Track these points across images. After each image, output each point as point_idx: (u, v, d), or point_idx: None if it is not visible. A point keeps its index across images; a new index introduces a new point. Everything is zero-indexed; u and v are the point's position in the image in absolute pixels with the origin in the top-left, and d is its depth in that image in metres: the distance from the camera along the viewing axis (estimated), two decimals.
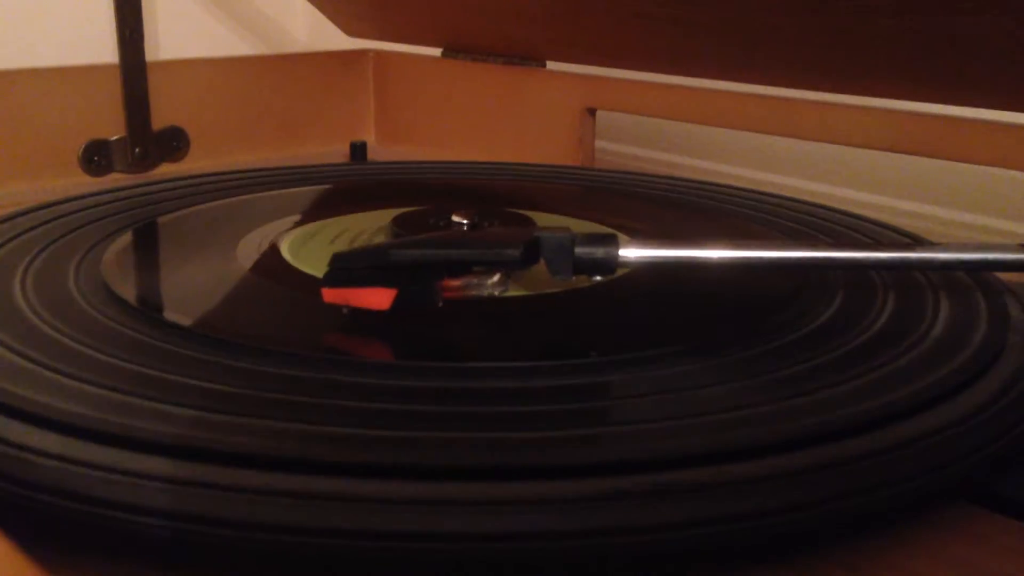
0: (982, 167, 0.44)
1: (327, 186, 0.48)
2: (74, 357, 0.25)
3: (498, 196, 0.46)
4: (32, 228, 0.37)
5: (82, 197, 0.42)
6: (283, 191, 0.45)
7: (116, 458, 0.20)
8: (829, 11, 0.41)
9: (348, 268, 0.28)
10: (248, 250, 0.35)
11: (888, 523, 0.22)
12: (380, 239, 0.37)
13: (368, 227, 0.38)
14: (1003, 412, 0.24)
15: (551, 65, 0.61)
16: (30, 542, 0.20)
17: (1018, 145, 0.41)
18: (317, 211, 0.41)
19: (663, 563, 0.20)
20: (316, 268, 0.32)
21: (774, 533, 0.20)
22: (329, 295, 0.28)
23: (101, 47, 0.59)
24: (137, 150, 0.58)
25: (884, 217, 0.41)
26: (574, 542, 0.19)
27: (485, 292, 0.29)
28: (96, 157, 0.56)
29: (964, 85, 0.42)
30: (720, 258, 0.29)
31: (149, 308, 0.29)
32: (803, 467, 0.21)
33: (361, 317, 0.28)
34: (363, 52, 0.70)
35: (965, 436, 0.23)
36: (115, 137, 0.57)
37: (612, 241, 0.29)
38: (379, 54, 0.70)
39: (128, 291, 0.30)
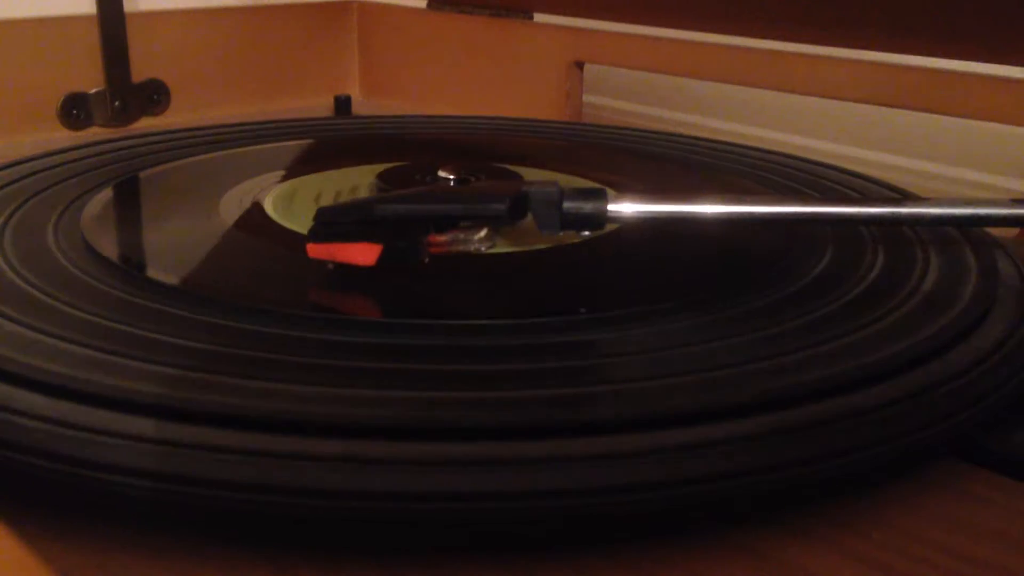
0: (973, 121, 0.43)
1: (312, 141, 0.47)
2: (54, 315, 0.24)
3: (485, 151, 0.45)
4: (9, 183, 0.36)
5: (61, 152, 0.41)
6: (267, 146, 0.44)
7: (98, 418, 0.20)
8: None
9: (333, 223, 0.28)
10: (231, 206, 0.34)
11: (878, 480, 0.22)
12: (365, 194, 0.36)
13: (353, 182, 0.38)
14: (993, 368, 0.24)
15: (538, 17, 0.60)
16: (11, 502, 0.20)
17: (1010, 99, 0.41)
18: (302, 166, 0.41)
19: (662, 520, 0.20)
20: (301, 224, 0.32)
21: (763, 491, 0.20)
22: (314, 250, 0.28)
23: None
24: (117, 103, 0.57)
25: (874, 172, 0.41)
26: (569, 501, 0.19)
27: (472, 247, 0.29)
28: (75, 110, 0.55)
29: (956, 38, 0.41)
30: (709, 213, 0.28)
31: (130, 265, 0.29)
32: (793, 424, 0.21)
33: (346, 273, 0.27)
34: (347, 3, 0.69)
35: (955, 392, 0.22)
36: (94, 90, 0.56)
37: (600, 196, 0.28)
38: (363, 5, 0.69)
39: (109, 248, 0.30)
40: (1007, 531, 0.20)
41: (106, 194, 0.35)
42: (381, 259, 0.27)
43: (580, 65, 0.57)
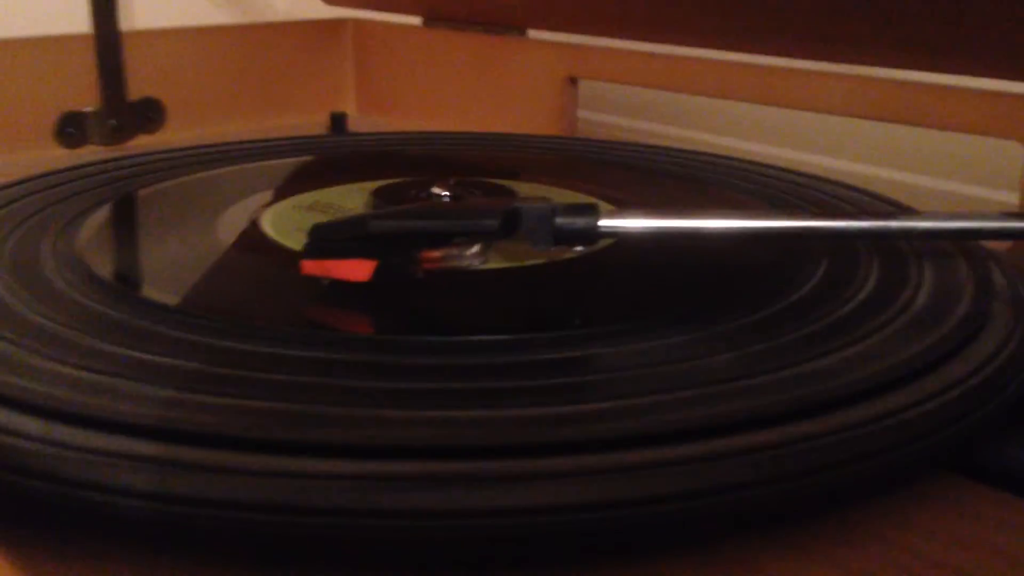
0: (965, 135, 0.44)
1: (308, 158, 0.47)
2: (50, 336, 0.24)
3: (479, 167, 0.45)
4: (5, 204, 0.36)
5: (56, 172, 0.41)
6: (263, 163, 0.45)
7: (96, 440, 0.20)
8: None
9: (328, 239, 0.28)
10: (228, 224, 0.34)
11: (871, 494, 0.22)
12: (360, 211, 0.36)
13: (349, 199, 0.38)
14: (987, 381, 0.24)
15: (532, 34, 0.60)
16: (6, 525, 0.20)
17: (1001, 113, 0.41)
18: (298, 183, 0.41)
19: (654, 535, 0.20)
20: (297, 242, 0.32)
21: (758, 506, 0.20)
22: (309, 267, 0.28)
23: (74, 16, 0.58)
24: (112, 122, 0.57)
25: (867, 187, 0.41)
26: (566, 517, 0.19)
27: (465, 263, 0.29)
28: (70, 129, 0.56)
29: (947, 52, 0.41)
30: (703, 228, 0.29)
31: (127, 285, 0.29)
32: (787, 440, 0.21)
33: (341, 289, 0.27)
34: (342, 21, 0.69)
35: (949, 406, 0.22)
36: (90, 109, 0.56)
37: (593, 211, 0.28)
38: (358, 23, 0.69)
39: (105, 268, 0.30)
40: (1003, 545, 0.20)
41: (102, 213, 0.36)
42: (375, 275, 0.27)
43: (574, 81, 0.58)
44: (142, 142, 0.58)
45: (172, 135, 0.59)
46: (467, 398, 0.22)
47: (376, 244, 0.27)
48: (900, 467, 0.22)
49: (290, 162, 0.46)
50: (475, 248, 0.29)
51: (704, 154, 0.47)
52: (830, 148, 0.56)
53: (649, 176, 0.43)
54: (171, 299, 0.28)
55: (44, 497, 0.19)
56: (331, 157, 0.48)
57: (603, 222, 0.28)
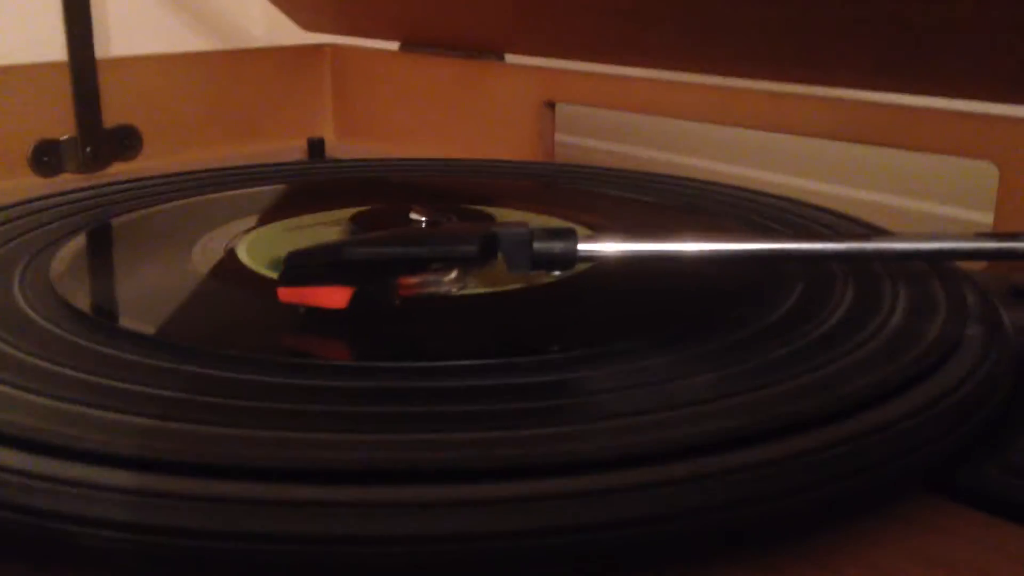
0: (939, 156, 0.44)
1: (285, 185, 0.47)
2: (23, 367, 0.24)
3: (458, 192, 0.45)
4: None
5: (31, 200, 0.41)
6: (240, 191, 0.44)
7: (71, 470, 0.20)
8: (787, 0, 0.41)
9: (304, 267, 0.28)
10: (204, 252, 0.34)
11: (850, 514, 0.22)
12: (338, 238, 0.36)
13: (327, 226, 0.38)
14: (963, 400, 0.24)
15: (510, 59, 0.61)
16: None
17: (975, 134, 0.42)
18: (275, 211, 0.41)
19: (633, 559, 0.20)
20: (274, 270, 0.32)
21: (734, 528, 0.20)
22: (285, 294, 0.28)
23: (50, 44, 0.58)
24: (88, 149, 0.56)
25: (843, 208, 0.41)
26: (546, 541, 0.19)
27: (443, 289, 0.29)
28: (46, 157, 0.55)
29: (921, 74, 0.42)
30: (679, 251, 0.29)
31: (101, 315, 0.29)
32: (762, 461, 0.21)
33: (318, 317, 0.27)
34: (320, 47, 0.69)
35: (926, 425, 0.23)
36: (65, 137, 0.56)
37: (570, 235, 0.28)
38: (336, 49, 0.69)
39: (79, 298, 0.29)
40: (982, 565, 0.20)
41: (77, 243, 0.35)
42: (352, 302, 0.27)
43: (551, 105, 0.58)
44: (118, 170, 0.58)
45: (149, 162, 0.59)
46: (447, 422, 0.22)
47: (353, 271, 0.27)
48: (877, 487, 0.22)
49: (267, 189, 0.46)
50: (453, 274, 0.29)
51: (679, 177, 0.47)
52: (805, 169, 0.57)
53: (626, 200, 0.44)
54: (146, 328, 0.27)
55: (19, 529, 0.19)
56: (309, 183, 0.48)
57: (581, 246, 0.28)
